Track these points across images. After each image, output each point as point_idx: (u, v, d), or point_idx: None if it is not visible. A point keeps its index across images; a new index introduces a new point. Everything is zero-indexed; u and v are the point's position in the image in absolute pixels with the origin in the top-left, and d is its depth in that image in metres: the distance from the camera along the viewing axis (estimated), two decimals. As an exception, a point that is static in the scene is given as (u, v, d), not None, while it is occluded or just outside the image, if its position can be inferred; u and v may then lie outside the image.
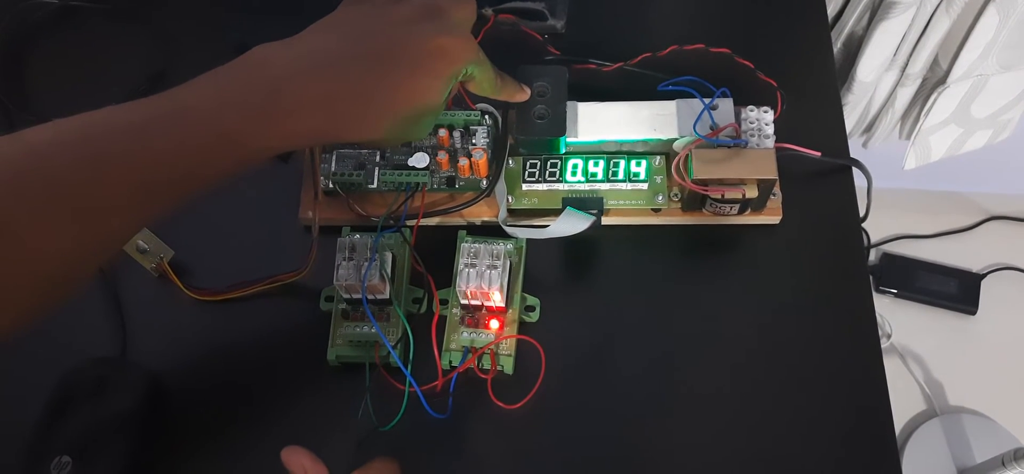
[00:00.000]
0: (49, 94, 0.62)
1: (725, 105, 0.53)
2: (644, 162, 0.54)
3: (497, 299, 0.50)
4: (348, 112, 0.40)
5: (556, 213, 0.53)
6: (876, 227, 1.34)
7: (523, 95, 0.51)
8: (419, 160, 0.54)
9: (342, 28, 0.42)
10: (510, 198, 0.54)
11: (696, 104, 0.53)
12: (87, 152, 0.36)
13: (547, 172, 0.54)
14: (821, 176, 0.57)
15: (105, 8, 0.65)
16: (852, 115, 0.94)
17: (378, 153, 0.55)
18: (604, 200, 0.54)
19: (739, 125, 0.53)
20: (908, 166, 0.99)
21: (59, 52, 0.64)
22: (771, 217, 0.55)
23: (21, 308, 0.36)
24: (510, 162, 0.55)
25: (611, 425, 0.51)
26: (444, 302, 0.52)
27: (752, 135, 0.52)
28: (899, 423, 1.23)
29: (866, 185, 0.57)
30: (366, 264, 0.49)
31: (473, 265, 0.50)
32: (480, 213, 0.55)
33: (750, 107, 0.53)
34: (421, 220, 0.54)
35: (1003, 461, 1.06)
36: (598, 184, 0.54)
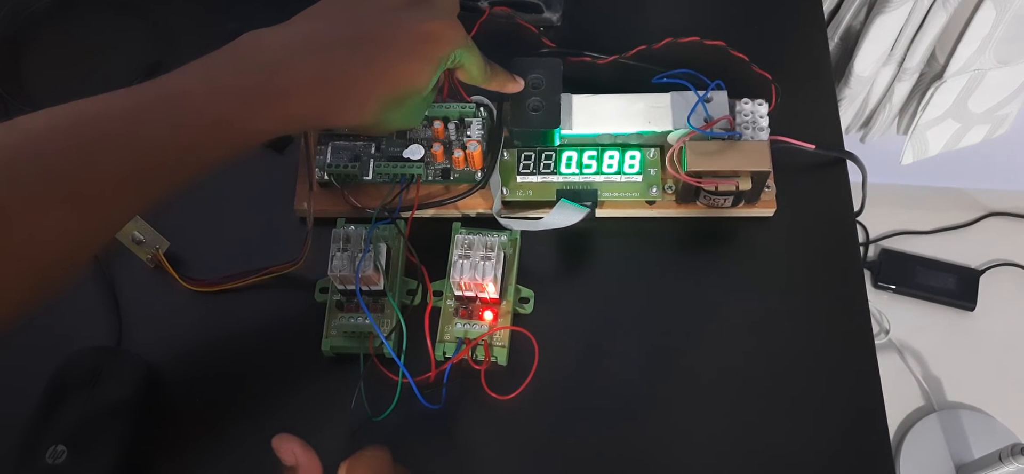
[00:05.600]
0: (46, 85, 0.62)
1: (719, 98, 0.53)
2: (638, 154, 0.54)
3: (491, 290, 0.51)
4: (339, 95, 0.41)
5: (550, 205, 0.53)
6: (875, 223, 1.34)
7: (515, 85, 0.52)
8: (414, 152, 0.54)
9: (332, 14, 0.42)
10: (505, 190, 0.54)
11: (690, 97, 0.53)
12: (81, 139, 0.36)
13: (541, 164, 0.54)
14: (816, 169, 0.57)
15: None
16: (849, 110, 0.94)
17: (373, 145, 0.55)
18: (598, 192, 0.54)
19: (733, 118, 0.53)
20: (905, 161, 0.99)
21: (56, 43, 0.64)
22: (765, 210, 0.55)
23: (17, 297, 0.36)
24: (505, 154, 0.55)
25: (604, 417, 0.51)
26: (438, 293, 0.52)
27: (746, 128, 0.52)
28: (897, 419, 1.23)
29: (861, 178, 0.57)
30: (360, 255, 0.50)
31: (467, 256, 0.50)
32: (475, 205, 0.55)
33: (745, 100, 0.53)
34: (416, 212, 0.54)
35: (1000, 456, 1.06)
36: (592, 176, 0.54)
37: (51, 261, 0.36)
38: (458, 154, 0.54)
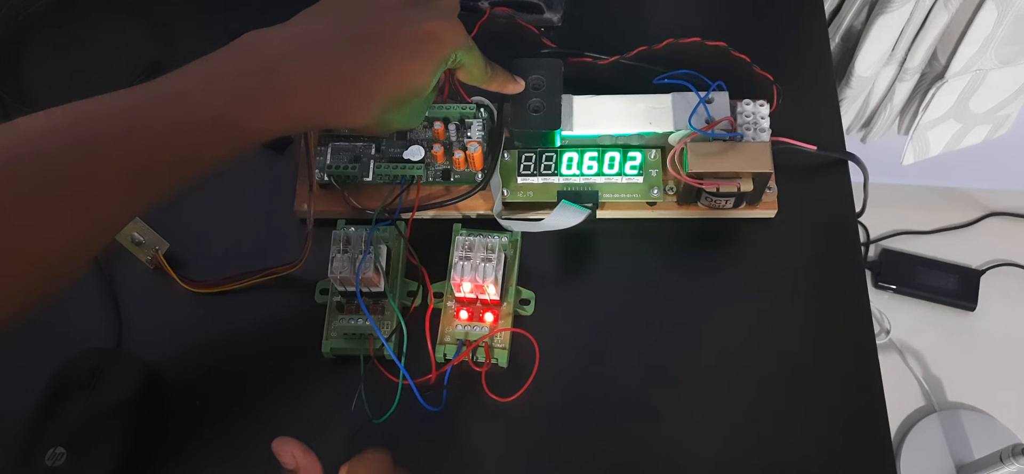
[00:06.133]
0: (46, 85, 0.62)
1: (721, 99, 0.53)
2: (639, 155, 0.54)
3: (492, 292, 0.50)
4: (339, 95, 0.41)
5: (551, 206, 0.53)
6: (875, 223, 1.34)
7: (516, 86, 0.51)
8: (414, 153, 0.54)
9: (333, 13, 0.42)
10: (505, 191, 0.54)
11: (692, 97, 0.53)
12: (80, 138, 0.36)
13: (542, 165, 0.54)
14: (817, 170, 0.57)
15: (101, -1, 0.65)
16: (850, 110, 0.94)
17: (373, 146, 0.55)
18: (599, 193, 0.54)
19: (735, 119, 0.53)
20: (906, 161, 0.98)
21: (56, 43, 0.64)
22: (766, 211, 0.55)
23: (17, 297, 0.36)
24: (505, 155, 0.55)
25: (605, 419, 0.51)
26: (438, 295, 0.52)
27: (748, 129, 0.52)
28: (898, 419, 1.23)
29: (862, 179, 0.57)
30: (361, 257, 0.49)
31: (468, 258, 0.50)
32: (475, 206, 0.55)
33: (746, 101, 0.53)
34: (416, 213, 0.54)
35: (1001, 457, 1.06)
36: (593, 177, 0.54)
37: (51, 261, 0.36)
38: (458, 155, 0.53)
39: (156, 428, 0.50)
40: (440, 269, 0.52)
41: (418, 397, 0.48)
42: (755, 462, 0.50)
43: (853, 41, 0.86)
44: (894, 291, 1.30)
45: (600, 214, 0.54)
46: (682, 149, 0.51)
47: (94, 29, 0.65)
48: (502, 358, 0.51)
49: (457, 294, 0.51)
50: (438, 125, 0.54)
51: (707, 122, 0.52)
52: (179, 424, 0.51)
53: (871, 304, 0.54)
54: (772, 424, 0.50)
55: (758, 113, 0.53)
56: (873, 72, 0.86)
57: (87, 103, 0.37)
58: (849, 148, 0.57)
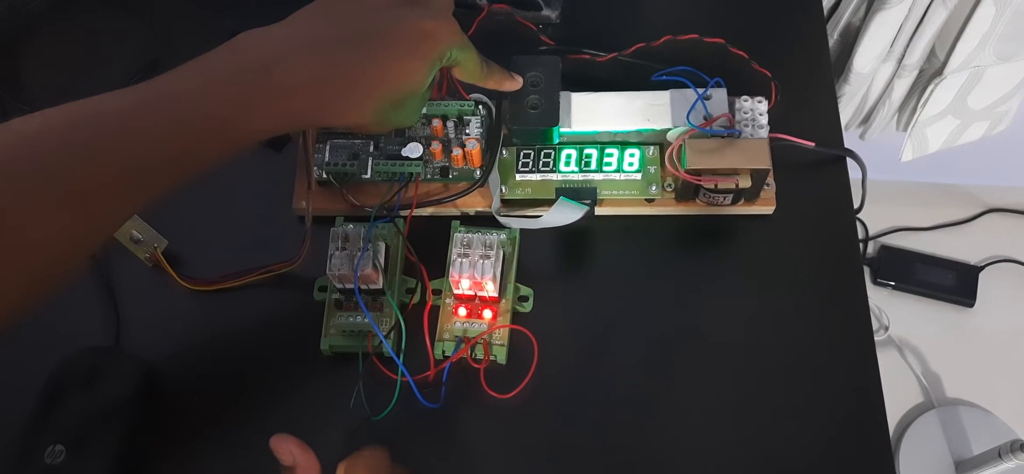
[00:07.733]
0: (43, 84, 0.62)
1: (719, 95, 0.53)
2: (638, 152, 0.54)
3: (490, 289, 0.50)
4: (334, 94, 0.41)
5: (550, 203, 0.53)
6: (874, 219, 1.34)
7: (512, 83, 0.51)
8: (413, 150, 0.54)
9: (328, 13, 0.42)
10: (504, 188, 0.54)
11: (690, 94, 0.53)
12: (76, 138, 0.36)
13: (541, 162, 0.54)
14: (815, 166, 0.57)
15: (99, -2, 0.65)
16: (849, 106, 0.94)
17: (372, 143, 0.55)
18: (597, 190, 0.54)
19: (733, 115, 0.53)
20: (905, 158, 0.99)
21: (54, 42, 0.64)
22: (765, 207, 0.55)
23: (15, 297, 0.36)
24: (504, 152, 0.55)
25: (604, 415, 0.51)
26: (437, 292, 0.52)
27: (746, 125, 0.52)
28: (896, 415, 1.23)
29: (861, 176, 0.57)
30: (359, 254, 0.49)
31: (466, 255, 0.50)
32: (474, 203, 0.55)
33: (744, 97, 0.53)
34: (414, 210, 0.54)
35: (1000, 453, 1.06)
36: (592, 174, 0.54)
37: (48, 261, 0.36)
38: (457, 152, 0.53)
39: (155, 425, 0.50)
40: (439, 266, 0.52)
41: (417, 394, 0.48)
42: (754, 458, 0.50)
43: (851, 37, 0.86)
44: (893, 287, 1.30)
45: (598, 211, 0.54)
46: (680, 146, 0.51)
47: (93, 29, 0.65)
48: (501, 355, 0.51)
49: (456, 291, 0.51)
50: (436, 122, 0.54)
51: (705, 119, 0.52)
52: (178, 422, 0.51)
53: (870, 300, 0.54)
54: (771, 420, 0.50)
55: (756, 109, 0.53)
56: (871, 68, 0.86)
57: (83, 103, 0.37)
58: (847, 144, 0.57)
